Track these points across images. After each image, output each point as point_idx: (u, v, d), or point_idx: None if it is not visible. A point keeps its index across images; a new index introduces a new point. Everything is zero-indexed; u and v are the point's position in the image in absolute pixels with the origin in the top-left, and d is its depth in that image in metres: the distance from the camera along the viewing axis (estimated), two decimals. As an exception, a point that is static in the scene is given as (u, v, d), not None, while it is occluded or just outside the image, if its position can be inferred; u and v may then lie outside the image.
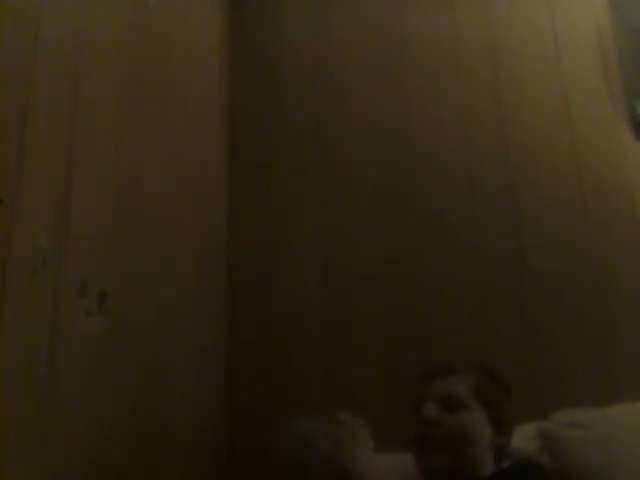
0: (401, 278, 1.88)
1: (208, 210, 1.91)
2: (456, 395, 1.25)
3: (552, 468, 1.35)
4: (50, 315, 1.11)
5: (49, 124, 1.16)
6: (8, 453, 0.98)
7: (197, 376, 1.70)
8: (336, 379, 1.83)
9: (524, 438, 1.38)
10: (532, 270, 1.82)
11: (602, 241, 1.82)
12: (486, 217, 1.89)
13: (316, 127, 2.10)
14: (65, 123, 1.22)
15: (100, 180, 1.32)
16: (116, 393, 1.31)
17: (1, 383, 0.98)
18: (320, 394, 1.82)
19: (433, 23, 2.13)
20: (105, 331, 1.27)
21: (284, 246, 1.99)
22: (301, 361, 1.87)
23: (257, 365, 1.88)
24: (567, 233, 1.84)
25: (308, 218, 2.01)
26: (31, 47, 1.13)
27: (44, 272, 1.10)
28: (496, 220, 1.89)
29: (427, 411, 1.24)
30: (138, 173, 1.48)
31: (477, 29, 2.10)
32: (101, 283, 1.27)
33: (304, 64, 2.18)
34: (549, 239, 1.84)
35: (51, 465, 1.08)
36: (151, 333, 1.47)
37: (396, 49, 2.13)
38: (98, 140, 1.32)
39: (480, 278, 1.83)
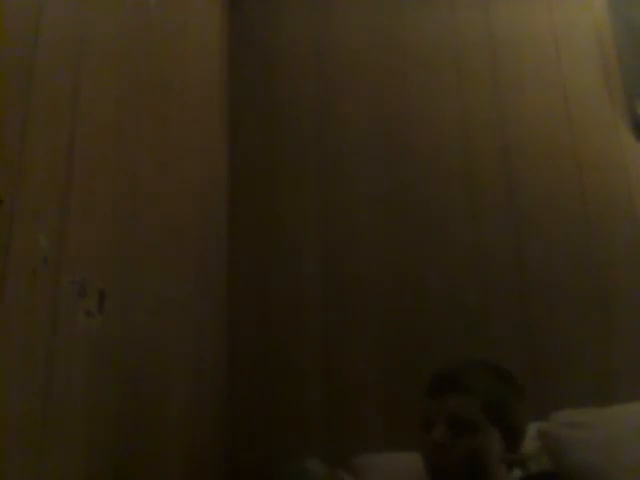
0: (401, 278, 1.88)
1: (208, 210, 1.91)
2: (466, 417, 1.22)
3: (553, 469, 1.35)
4: (50, 315, 1.11)
5: (49, 124, 1.16)
6: (8, 453, 0.98)
7: (197, 376, 1.70)
8: (336, 379, 1.83)
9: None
10: (532, 270, 1.82)
11: (602, 241, 1.81)
12: (486, 217, 1.89)
13: (316, 126, 2.10)
14: (65, 123, 1.22)
15: (100, 180, 1.32)
16: (116, 393, 1.31)
17: (1, 383, 0.98)
18: (320, 394, 1.82)
19: (433, 23, 2.13)
20: (105, 331, 1.27)
21: (284, 246, 1.99)
22: (301, 361, 1.86)
23: (257, 365, 1.88)
24: (567, 233, 1.84)
25: (308, 218, 2.01)
26: (31, 47, 1.13)
27: (44, 272, 1.10)
28: (496, 220, 1.88)
29: (437, 436, 1.21)
30: (138, 173, 1.48)
31: (477, 29, 2.10)
32: (101, 283, 1.27)
33: (304, 64, 2.18)
34: (549, 239, 1.84)
35: (51, 465, 1.08)
36: (151, 333, 1.47)
37: (396, 49, 2.13)
38: (98, 140, 1.32)
39: (480, 278, 1.83)
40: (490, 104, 2.01)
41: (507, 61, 2.04)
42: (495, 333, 1.77)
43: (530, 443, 1.39)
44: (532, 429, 1.42)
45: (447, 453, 1.20)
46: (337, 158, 2.06)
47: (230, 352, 1.90)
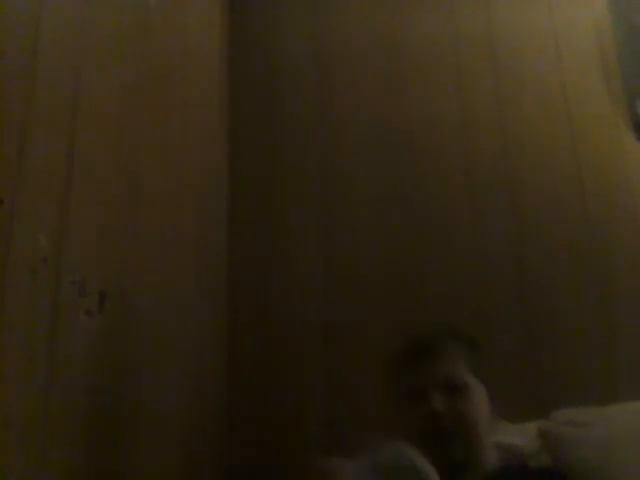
0: (401, 278, 1.88)
1: (208, 210, 1.92)
2: (458, 377, 1.19)
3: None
4: (50, 315, 1.11)
5: (49, 124, 1.17)
6: (9, 452, 0.99)
7: (197, 376, 1.70)
8: (337, 379, 1.83)
9: (524, 437, 1.38)
10: (532, 270, 1.82)
11: (602, 241, 1.81)
12: (486, 217, 1.89)
13: (316, 127, 2.10)
14: (65, 123, 1.22)
15: (100, 180, 1.32)
16: (116, 393, 1.31)
17: (1, 383, 0.98)
18: (320, 394, 1.82)
19: (433, 23, 2.13)
20: (105, 331, 1.27)
21: (284, 246, 1.99)
22: (301, 361, 1.86)
23: (257, 365, 1.88)
24: (567, 233, 1.83)
25: (308, 218, 2.01)
26: (31, 47, 1.13)
27: (44, 272, 1.10)
28: (496, 220, 1.88)
29: (436, 405, 1.16)
30: (138, 173, 1.49)
31: (477, 29, 2.10)
32: (101, 283, 1.27)
33: (304, 64, 2.18)
34: (549, 239, 1.84)
35: (51, 465, 1.08)
36: (151, 333, 1.47)
37: (396, 49, 2.13)
38: (98, 140, 1.32)
39: (480, 279, 1.83)
40: (490, 104, 2.01)
41: (507, 61, 2.04)
42: (495, 333, 1.76)
43: (530, 442, 1.39)
44: (532, 428, 1.42)
45: (448, 420, 1.16)
46: (337, 158, 2.06)
47: (230, 352, 1.90)
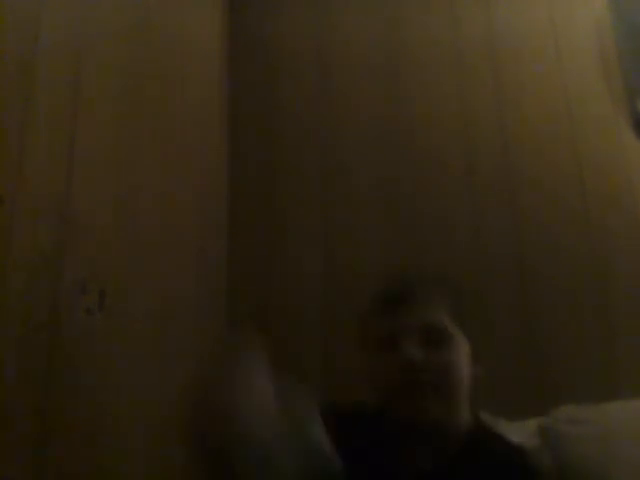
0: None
1: (208, 210, 1.92)
2: (439, 325, 1.08)
3: (551, 464, 1.35)
4: (51, 314, 1.11)
5: (49, 124, 1.17)
6: (8, 453, 0.99)
7: (196, 377, 1.70)
8: (336, 380, 1.83)
9: (524, 435, 1.38)
10: (532, 270, 1.82)
11: (602, 241, 1.81)
12: (486, 217, 1.89)
13: (316, 126, 2.10)
14: (65, 123, 1.22)
15: (100, 180, 1.32)
16: (116, 392, 1.31)
17: (2, 383, 0.98)
18: (321, 395, 1.82)
19: (433, 23, 2.13)
20: (105, 330, 1.27)
21: (284, 246, 1.99)
22: (301, 362, 1.86)
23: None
24: (567, 233, 1.84)
25: (308, 218, 2.01)
26: (31, 47, 1.13)
27: (44, 272, 1.10)
28: (496, 220, 1.88)
29: (410, 354, 1.05)
30: (138, 173, 1.49)
31: (477, 29, 2.10)
32: (101, 282, 1.27)
33: (304, 64, 2.18)
34: (549, 239, 1.84)
35: (52, 465, 1.08)
36: (151, 332, 1.47)
37: (396, 49, 2.13)
38: (98, 140, 1.33)
39: (480, 277, 1.83)
40: (490, 104, 2.01)
41: (507, 61, 2.04)
42: (495, 332, 1.76)
43: (530, 439, 1.39)
44: (532, 425, 1.43)
45: (425, 372, 1.05)
46: (338, 158, 2.06)
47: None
